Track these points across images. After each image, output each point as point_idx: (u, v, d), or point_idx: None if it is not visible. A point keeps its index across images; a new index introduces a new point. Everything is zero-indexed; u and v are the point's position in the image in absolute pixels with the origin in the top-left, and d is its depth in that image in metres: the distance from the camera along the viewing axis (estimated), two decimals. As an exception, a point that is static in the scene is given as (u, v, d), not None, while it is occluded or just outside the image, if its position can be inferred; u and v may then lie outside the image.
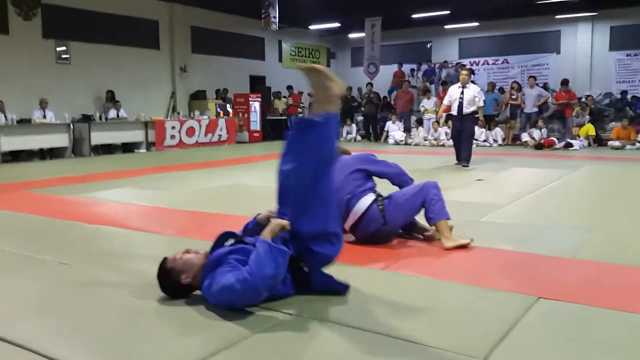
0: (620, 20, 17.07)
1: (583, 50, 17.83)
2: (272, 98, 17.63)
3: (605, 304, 2.69)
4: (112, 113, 12.98)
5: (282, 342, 2.30)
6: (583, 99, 14.69)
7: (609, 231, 4.31)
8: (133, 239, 4.21)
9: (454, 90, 9.17)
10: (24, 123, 10.94)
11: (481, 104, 9.06)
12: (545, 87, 15.64)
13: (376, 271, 3.27)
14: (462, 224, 4.48)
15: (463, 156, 9.10)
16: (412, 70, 19.36)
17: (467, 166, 8.95)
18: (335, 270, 3.28)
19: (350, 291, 2.82)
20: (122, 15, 14.38)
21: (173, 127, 13.34)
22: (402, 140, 14.38)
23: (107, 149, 12.46)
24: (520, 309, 2.61)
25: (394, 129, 14.83)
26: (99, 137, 11.93)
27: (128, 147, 12.72)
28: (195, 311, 2.65)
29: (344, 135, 16.28)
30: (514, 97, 14.02)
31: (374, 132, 15.94)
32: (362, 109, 16.41)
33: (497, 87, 16.24)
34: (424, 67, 19.45)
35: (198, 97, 16.14)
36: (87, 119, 11.88)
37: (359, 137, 16.08)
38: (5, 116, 10.81)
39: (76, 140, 11.62)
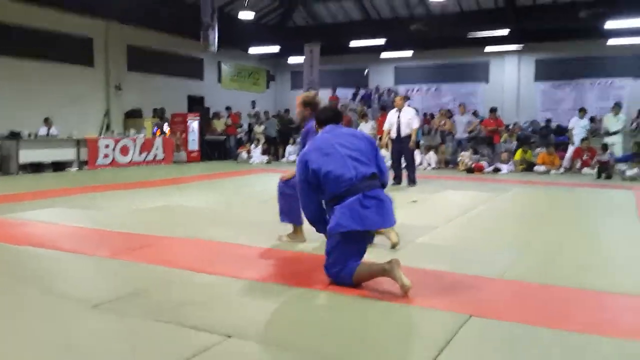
0: (544, 54, 18.15)
1: (510, 81, 18.81)
2: (210, 118, 17.49)
3: (533, 321, 2.83)
4: (43, 130, 12.47)
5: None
6: (510, 126, 15.45)
7: (535, 252, 4.54)
8: (63, 261, 4.06)
9: (391, 115, 9.65)
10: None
11: (415, 125, 9.49)
12: (475, 114, 16.35)
13: (317, 292, 3.30)
14: (398, 246, 4.61)
15: (410, 177, 9.63)
16: (354, 94, 19.82)
17: (415, 185, 9.46)
18: (274, 291, 3.30)
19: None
20: (55, 31, 13.95)
21: (107, 146, 12.97)
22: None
23: (36, 168, 11.93)
24: (453, 327, 2.71)
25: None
26: (27, 155, 11.41)
27: (59, 166, 12.24)
28: (131, 335, 2.60)
29: (286, 155, 16.34)
30: (442, 123, 14.58)
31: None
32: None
33: (428, 114, 16.83)
34: (362, 91, 19.94)
35: (133, 115, 15.80)
36: (15, 135, 11.36)
37: (299, 158, 16.15)
38: None
39: (3, 158, 11.08)
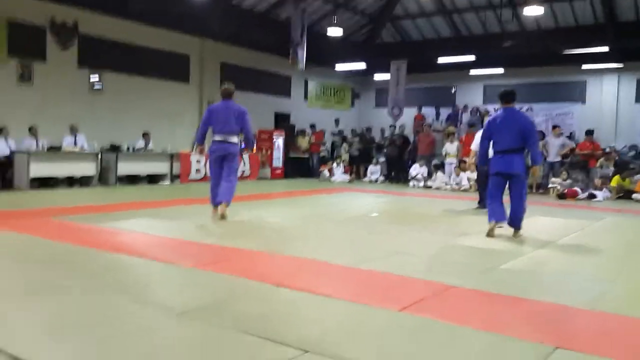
0: (647, 73, 17.06)
1: (608, 102, 17.79)
2: (295, 135, 17.84)
3: (622, 357, 2.65)
4: (141, 144, 13.20)
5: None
6: (607, 150, 14.59)
7: (629, 283, 4.26)
8: (151, 269, 4.27)
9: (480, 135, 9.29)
10: (54, 150, 11.20)
11: None
12: (570, 136, 15.59)
13: (393, 313, 3.26)
14: (481, 270, 4.48)
15: None
16: (437, 114, 19.52)
17: None
18: (353, 310, 3.30)
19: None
20: (155, 48, 14.82)
21: (198, 161, 13.53)
22: (421, 183, 14.47)
23: (131, 180, 12.66)
24: (538, 358, 2.58)
25: (418, 172, 14.89)
26: (125, 167, 12.14)
27: (152, 179, 12.92)
28: (212, 345, 2.68)
29: (368, 175, 16.34)
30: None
31: (395, 174, 15.95)
32: (385, 150, 16.49)
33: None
34: (445, 111, 19.55)
35: (224, 131, 16.38)
36: (115, 149, 12.14)
37: (381, 178, 16.07)
38: (37, 142, 11.08)
39: (103, 169, 11.86)
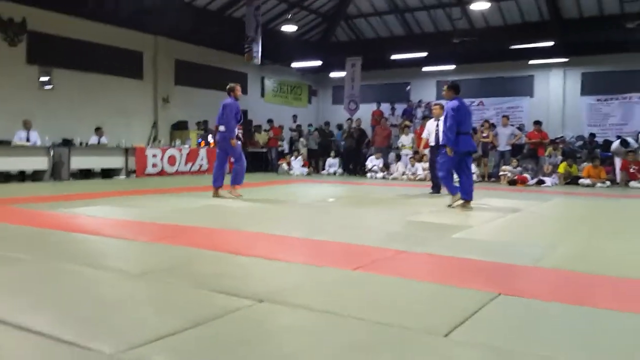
0: (590, 67, 17.79)
1: (556, 95, 18.49)
2: (253, 131, 17.85)
3: (561, 299, 2.84)
4: (94, 139, 12.99)
5: (249, 325, 2.38)
6: (556, 140, 15.17)
7: (569, 248, 4.49)
8: (108, 244, 4.27)
9: (430, 124, 9.71)
10: (4, 145, 10.92)
11: None
12: (520, 128, 16.13)
13: (346, 271, 3.38)
14: (432, 239, 4.65)
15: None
16: (393, 109, 19.87)
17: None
18: (308, 271, 3.41)
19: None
20: (107, 45, 14.60)
21: (154, 155, 13.40)
22: (379, 174, 14.72)
23: (85, 174, 12.44)
24: (482, 301, 2.74)
25: (374, 164, 15.15)
26: (78, 161, 11.93)
27: (107, 174, 12.72)
28: (167, 296, 2.74)
29: (326, 168, 16.50)
30: (485, 135, 14.41)
31: (353, 166, 16.19)
32: (343, 142, 16.70)
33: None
34: (400, 106, 19.96)
35: (180, 127, 16.28)
36: (67, 143, 11.91)
37: (339, 171, 16.29)
38: (-15, 137, 10.79)
39: (55, 164, 11.61)
